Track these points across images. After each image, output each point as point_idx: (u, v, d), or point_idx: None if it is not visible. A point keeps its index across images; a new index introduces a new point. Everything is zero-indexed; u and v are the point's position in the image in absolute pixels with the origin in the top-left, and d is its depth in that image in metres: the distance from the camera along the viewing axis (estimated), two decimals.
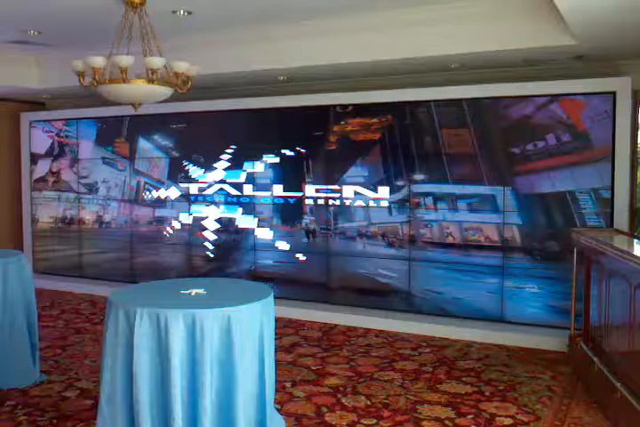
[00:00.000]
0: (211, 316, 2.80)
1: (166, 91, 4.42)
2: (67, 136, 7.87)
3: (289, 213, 6.54)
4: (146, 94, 4.37)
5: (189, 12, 5.03)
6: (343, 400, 3.98)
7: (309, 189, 6.38)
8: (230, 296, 3.16)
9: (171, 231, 7.20)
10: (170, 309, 2.80)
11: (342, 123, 6.15)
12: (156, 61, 4.11)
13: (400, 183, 5.91)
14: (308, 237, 6.39)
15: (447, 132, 5.69)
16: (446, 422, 3.64)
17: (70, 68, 4.28)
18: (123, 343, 2.83)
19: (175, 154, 7.14)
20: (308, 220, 6.41)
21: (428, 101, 5.74)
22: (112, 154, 7.54)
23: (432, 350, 5.11)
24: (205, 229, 6.98)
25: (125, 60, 4.03)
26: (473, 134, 5.56)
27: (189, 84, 4.48)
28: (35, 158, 8.15)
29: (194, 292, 3.21)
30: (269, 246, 6.63)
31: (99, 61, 4.12)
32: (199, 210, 7.02)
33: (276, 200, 6.58)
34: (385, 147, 5.97)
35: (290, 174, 6.49)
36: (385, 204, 6.00)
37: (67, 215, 7.96)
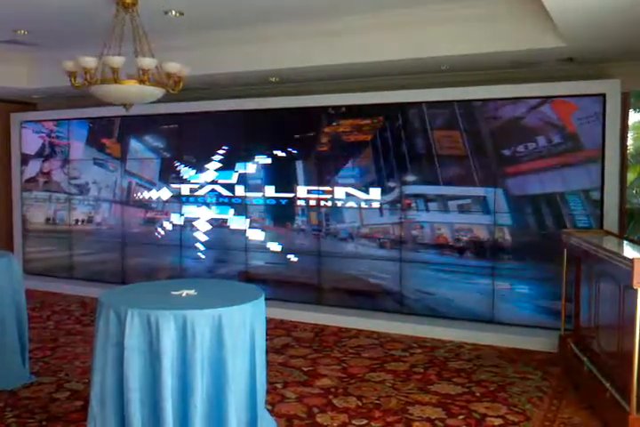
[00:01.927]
0: (202, 317, 2.80)
1: (157, 91, 4.41)
2: (57, 137, 7.84)
3: (281, 214, 6.54)
4: (137, 95, 4.36)
5: (181, 13, 5.02)
6: (334, 401, 3.98)
7: (301, 191, 6.38)
8: (221, 297, 3.17)
9: (162, 232, 7.18)
10: (161, 310, 2.80)
11: (334, 124, 6.16)
12: (148, 62, 4.10)
13: (391, 184, 5.92)
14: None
15: (438, 134, 5.70)
16: (437, 422, 3.65)
17: (61, 69, 4.26)
18: (113, 344, 2.83)
19: (166, 155, 7.13)
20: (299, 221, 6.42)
21: (419, 103, 5.76)
22: (103, 155, 7.51)
23: (423, 351, 5.12)
24: (197, 229, 6.97)
25: (116, 61, 4.02)
26: (464, 136, 5.58)
27: (181, 84, 4.47)
28: (25, 159, 8.11)
29: (185, 293, 3.21)
30: (261, 247, 6.62)
31: (90, 62, 4.11)
32: (190, 211, 7.01)
33: (267, 201, 6.58)
34: (376, 148, 5.98)
35: (281, 175, 6.48)
36: (376, 205, 6.01)
37: (57, 216, 7.92)
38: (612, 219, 5.06)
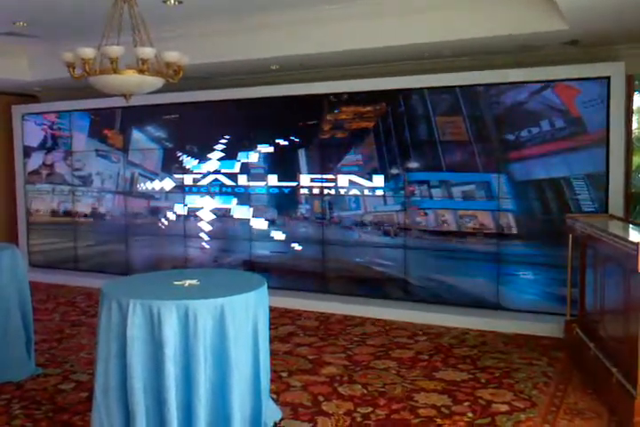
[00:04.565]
0: (204, 306, 2.79)
1: (157, 81, 4.37)
2: (59, 129, 7.82)
3: (284, 202, 6.52)
4: (136, 85, 4.31)
5: (180, 1, 4.98)
6: (339, 389, 3.98)
7: (304, 179, 6.36)
8: (224, 287, 3.16)
9: (165, 223, 7.18)
10: (163, 300, 2.80)
11: (336, 111, 6.12)
12: (147, 51, 4.05)
13: (395, 171, 5.90)
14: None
15: (441, 120, 5.66)
16: (442, 409, 3.64)
17: (60, 60, 4.23)
18: (116, 335, 2.83)
19: (169, 145, 7.11)
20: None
21: (421, 89, 5.71)
22: (105, 146, 7.50)
23: (428, 338, 5.11)
24: (200, 219, 6.96)
25: (115, 51, 3.97)
26: (467, 121, 5.53)
27: (180, 74, 4.43)
28: (28, 151, 8.10)
29: (187, 283, 3.20)
30: (265, 236, 6.61)
31: (88, 52, 4.07)
32: (194, 201, 7.00)
33: (270, 190, 6.56)
34: (379, 135, 5.94)
35: (284, 164, 6.46)
36: (380, 192, 5.98)
37: (61, 208, 7.92)
38: (617, 203, 5.02)
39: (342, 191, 6.17)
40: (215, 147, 6.78)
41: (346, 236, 6.20)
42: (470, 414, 3.56)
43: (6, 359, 4.10)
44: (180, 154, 7.02)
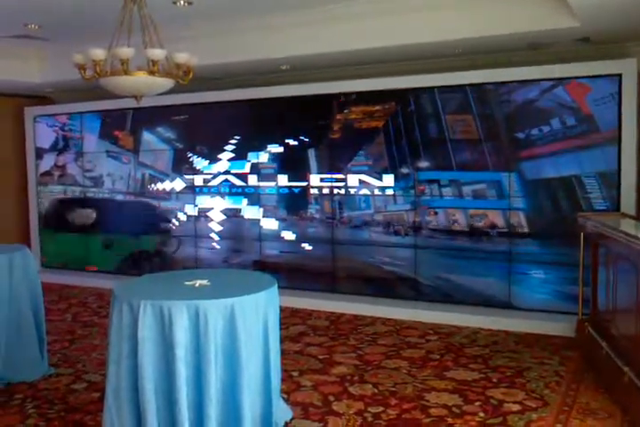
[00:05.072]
0: (214, 307, 2.80)
1: (167, 82, 4.38)
2: (71, 130, 7.87)
3: (294, 202, 6.53)
4: (147, 86, 4.33)
5: (189, 3, 5.00)
6: (350, 389, 3.97)
7: (314, 179, 6.36)
8: (234, 287, 3.17)
9: (176, 223, 7.20)
10: (173, 300, 2.80)
11: (345, 111, 6.12)
12: (157, 53, 4.07)
13: (405, 171, 5.89)
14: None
15: (451, 119, 5.65)
16: (453, 409, 3.63)
17: (71, 62, 4.26)
18: (127, 336, 2.84)
19: (179, 146, 7.13)
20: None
21: (431, 88, 5.70)
22: (116, 147, 7.53)
23: (439, 338, 5.10)
24: (211, 220, 6.98)
25: (125, 52, 4.00)
26: (477, 120, 5.52)
27: (190, 75, 4.45)
28: (40, 153, 8.15)
29: (198, 283, 3.21)
30: (275, 237, 6.62)
31: (99, 54, 4.09)
32: (204, 201, 7.01)
33: (280, 190, 6.57)
34: (389, 134, 5.94)
35: (294, 164, 6.46)
36: (390, 192, 5.97)
37: (73, 209, 7.96)
38: (629, 201, 4.99)
39: (352, 191, 6.17)
40: (225, 147, 6.80)
41: (356, 235, 6.20)
42: (482, 414, 3.55)
43: (19, 359, 4.12)
44: (190, 155, 7.04)
